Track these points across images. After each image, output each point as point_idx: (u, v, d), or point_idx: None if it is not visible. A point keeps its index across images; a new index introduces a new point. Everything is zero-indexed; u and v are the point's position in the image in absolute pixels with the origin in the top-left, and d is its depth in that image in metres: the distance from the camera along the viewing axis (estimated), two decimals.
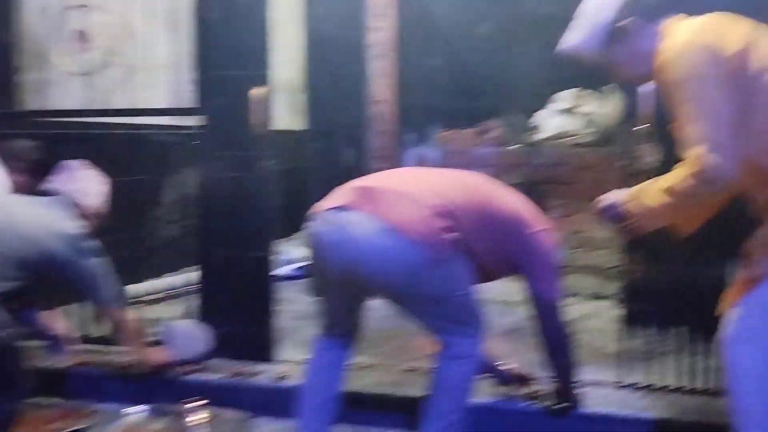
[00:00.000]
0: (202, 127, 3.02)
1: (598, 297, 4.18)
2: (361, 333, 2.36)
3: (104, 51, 3.07)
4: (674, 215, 1.78)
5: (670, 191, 1.70)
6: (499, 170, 4.89)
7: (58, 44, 3.14)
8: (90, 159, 3.26)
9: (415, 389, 2.64)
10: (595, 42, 1.85)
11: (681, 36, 1.75)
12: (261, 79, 2.93)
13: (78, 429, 2.64)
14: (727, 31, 1.72)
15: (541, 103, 5.26)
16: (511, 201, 2.30)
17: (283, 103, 5.97)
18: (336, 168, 4.25)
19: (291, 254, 4.88)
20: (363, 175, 4.18)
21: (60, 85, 3.22)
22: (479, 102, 5.49)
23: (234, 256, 3.00)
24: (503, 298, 4.26)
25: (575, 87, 5.04)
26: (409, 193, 2.11)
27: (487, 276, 2.29)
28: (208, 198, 3.04)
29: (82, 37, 3.12)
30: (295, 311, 4.00)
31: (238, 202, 3.00)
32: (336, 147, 4.25)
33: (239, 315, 2.97)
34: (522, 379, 2.62)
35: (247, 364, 2.95)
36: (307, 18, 4.23)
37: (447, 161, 5.02)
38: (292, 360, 3.03)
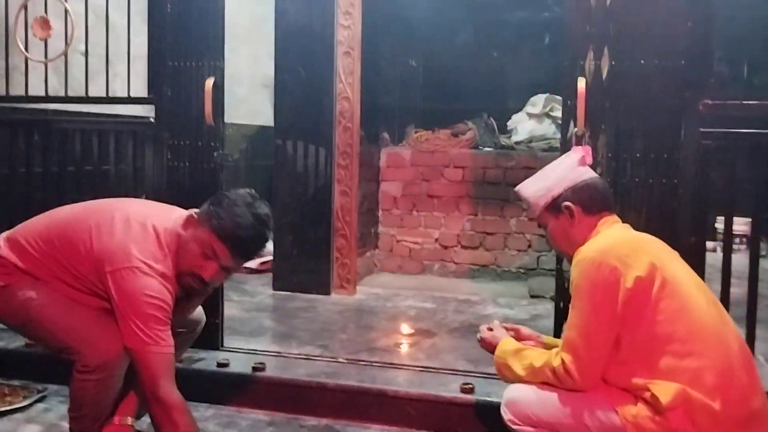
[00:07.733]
0: (157, 117, 3.07)
1: None
2: None
3: (69, 38, 3.10)
4: (529, 383, 1.95)
5: (531, 370, 1.92)
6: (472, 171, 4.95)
7: (22, 30, 3.17)
8: (46, 146, 3.35)
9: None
10: (541, 204, 2.03)
11: (592, 248, 1.88)
12: (214, 71, 2.97)
13: (20, 407, 2.68)
14: (634, 258, 1.82)
15: (515, 106, 5.30)
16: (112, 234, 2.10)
17: (252, 97, 5.99)
18: (300, 164, 4.29)
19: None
20: (328, 172, 4.32)
21: (30, 72, 3.23)
22: (454, 103, 5.52)
23: None
24: (465, 296, 4.34)
25: (548, 92, 5.06)
26: None
27: None
28: (158, 186, 3.08)
29: (45, 23, 3.15)
30: (251, 302, 4.07)
31: (188, 191, 3.03)
32: (300, 143, 4.26)
33: None
34: None
35: (191, 351, 2.98)
36: (277, 13, 4.25)
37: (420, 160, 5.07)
38: (236, 349, 3.07)
